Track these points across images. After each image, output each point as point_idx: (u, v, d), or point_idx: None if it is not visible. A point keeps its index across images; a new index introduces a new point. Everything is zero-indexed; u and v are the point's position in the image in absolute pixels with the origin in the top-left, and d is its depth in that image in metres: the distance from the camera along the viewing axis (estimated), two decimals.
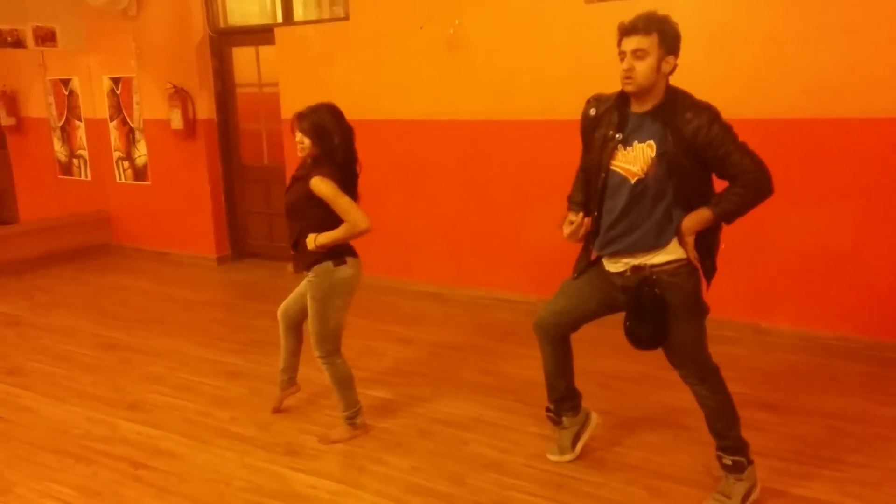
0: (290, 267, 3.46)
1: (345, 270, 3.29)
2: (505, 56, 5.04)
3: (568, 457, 3.16)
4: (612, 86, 4.70)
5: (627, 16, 4.76)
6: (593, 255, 2.91)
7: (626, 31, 2.58)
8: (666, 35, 2.55)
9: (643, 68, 2.54)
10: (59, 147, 7.91)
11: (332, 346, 3.39)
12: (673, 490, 2.96)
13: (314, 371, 4.23)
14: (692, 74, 4.44)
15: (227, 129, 6.88)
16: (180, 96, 6.61)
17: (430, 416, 3.66)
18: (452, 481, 3.06)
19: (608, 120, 2.71)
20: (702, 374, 2.82)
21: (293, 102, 6.12)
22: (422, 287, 5.62)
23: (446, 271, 5.61)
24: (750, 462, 2.81)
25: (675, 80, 4.60)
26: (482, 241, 5.39)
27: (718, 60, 4.38)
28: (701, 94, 4.43)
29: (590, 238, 2.85)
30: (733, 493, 2.79)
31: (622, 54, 2.58)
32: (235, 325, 5.20)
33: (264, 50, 6.44)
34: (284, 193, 3.42)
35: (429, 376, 4.14)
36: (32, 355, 4.67)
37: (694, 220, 2.64)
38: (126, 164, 7.32)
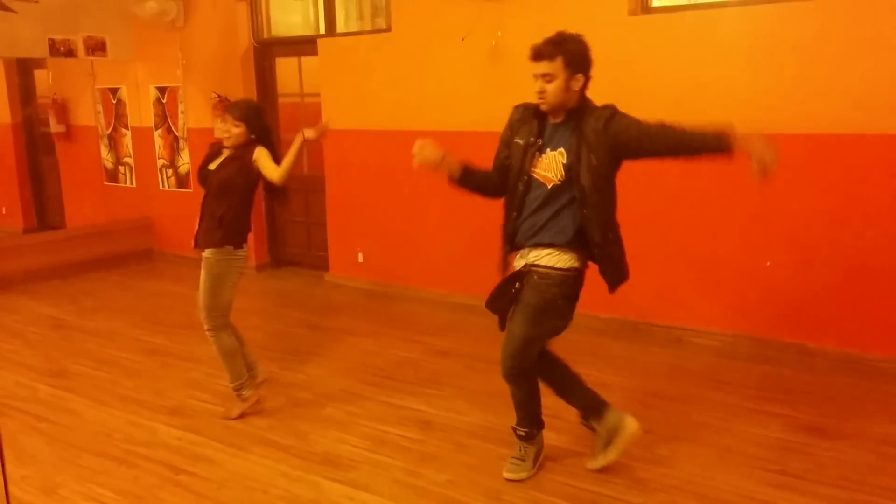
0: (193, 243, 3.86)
1: (242, 252, 3.76)
2: None
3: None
4: (654, 97, 4.68)
5: (671, 27, 4.77)
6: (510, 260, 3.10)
7: (533, 56, 2.81)
8: (571, 57, 2.78)
9: (552, 89, 2.80)
10: (105, 154, 8.10)
11: (222, 320, 3.74)
12: None
13: (356, 383, 4.26)
14: (736, 88, 4.41)
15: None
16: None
17: (467, 429, 3.64)
18: (489, 497, 3.03)
19: (528, 128, 2.93)
20: (519, 372, 3.05)
21: (334, 112, 6.21)
22: (460, 299, 5.60)
23: (485, 283, 5.58)
24: (540, 429, 3.21)
25: (719, 93, 4.56)
26: None
27: (764, 74, 4.31)
28: (745, 108, 4.41)
29: (503, 237, 3.05)
30: (527, 456, 3.16)
31: (535, 76, 2.82)
32: (273, 332, 5.25)
33: (307, 60, 6.52)
34: (207, 176, 3.73)
35: (465, 389, 4.12)
36: (77, 358, 4.76)
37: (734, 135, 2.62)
38: (170, 171, 7.47)
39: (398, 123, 5.81)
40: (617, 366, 4.44)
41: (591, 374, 4.25)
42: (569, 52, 2.77)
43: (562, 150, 2.84)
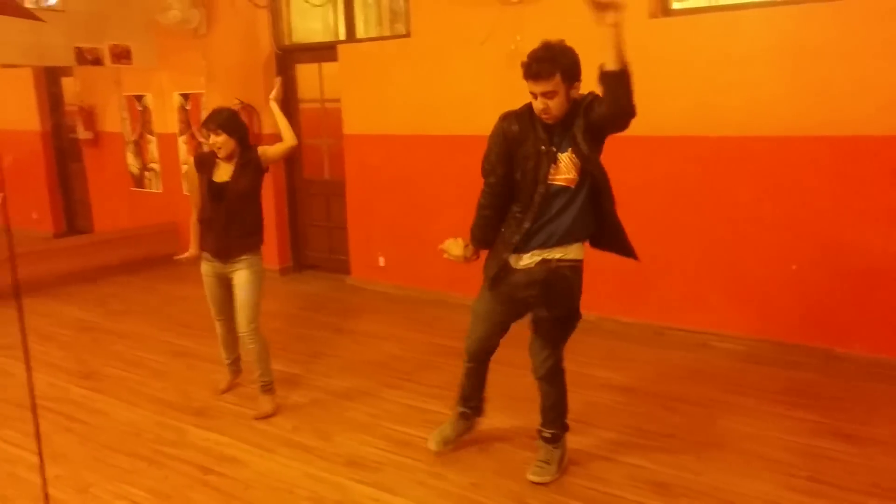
0: (207, 258, 3.98)
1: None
2: None
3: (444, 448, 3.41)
4: (674, 100, 4.66)
5: (691, 30, 4.75)
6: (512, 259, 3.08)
7: (531, 77, 2.76)
8: (567, 69, 2.75)
9: (556, 105, 2.79)
10: (132, 160, 8.23)
11: (259, 320, 3.92)
12: None
13: (378, 385, 4.29)
14: (757, 90, 4.39)
15: None
16: (247, 111, 6.81)
17: (489, 433, 3.65)
18: (512, 500, 3.05)
19: (534, 135, 2.88)
20: (560, 369, 3.15)
21: (354, 118, 6.27)
22: None
23: None
24: (565, 432, 3.28)
25: (740, 96, 4.53)
26: None
27: (786, 77, 4.29)
28: (770, 110, 4.39)
29: (505, 244, 3.02)
30: (552, 459, 3.21)
31: (533, 94, 2.81)
32: (296, 335, 5.30)
33: (327, 66, 6.58)
34: (223, 189, 3.79)
35: (488, 392, 4.12)
36: (106, 360, 4.85)
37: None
38: None
39: (418, 128, 5.84)
40: (639, 370, 4.43)
41: (612, 378, 4.28)
42: (564, 65, 2.75)
43: (570, 150, 2.85)
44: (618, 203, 3.01)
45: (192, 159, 4.00)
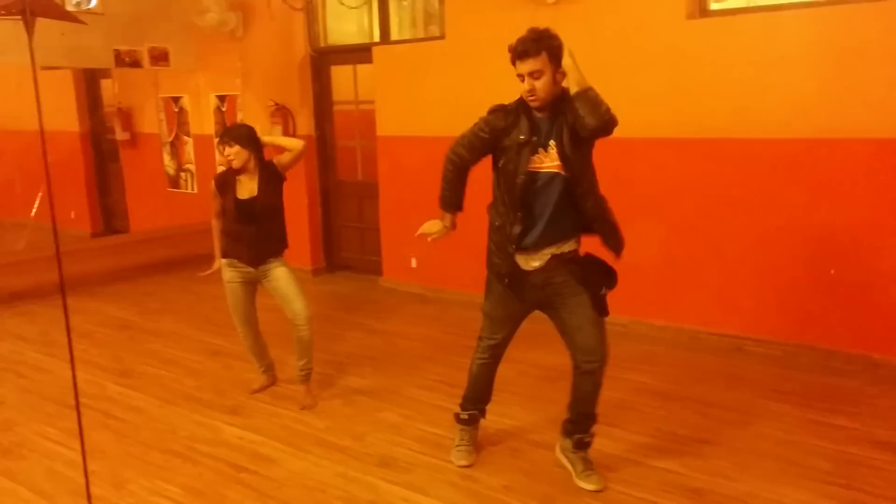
0: (234, 264, 4.05)
1: None
2: (601, 73, 4.95)
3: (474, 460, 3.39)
4: (713, 102, 4.60)
5: (729, 31, 4.69)
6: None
7: (518, 55, 2.85)
8: (553, 50, 2.82)
9: (542, 85, 2.84)
10: (168, 161, 8.37)
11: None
12: None
13: (410, 386, 4.31)
14: (798, 92, 4.31)
15: (325, 144, 7.11)
16: (282, 113, 6.88)
17: (521, 435, 3.65)
18: (544, 503, 3.03)
19: (518, 127, 2.93)
20: (605, 360, 3.07)
21: (388, 119, 6.29)
22: None
23: None
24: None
25: (780, 98, 4.46)
26: None
27: (827, 78, 4.22)
28: (807, 113, 4.32)
29: (506, 237, 3.04)
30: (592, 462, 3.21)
31: (521, 76, 2.87)
32: (328, 335, 5.33)
33: (361, 68, 6.63)
34: (252, 204, 3.89)
35: (519, 395, 4.13)
36: (142, 358, 4.94)
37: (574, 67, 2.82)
38: None
39: (452, 130, 5.75)
40: (672, 374, 4.38)
41: (645, 382, 4.24)
42: (551, 46, 2.81)
43: (554, 145, 2.90)
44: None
45: (213, 183, 4.06)
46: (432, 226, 3.27)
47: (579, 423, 3.17)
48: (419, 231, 3.28)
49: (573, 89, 2.80)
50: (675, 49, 4.70)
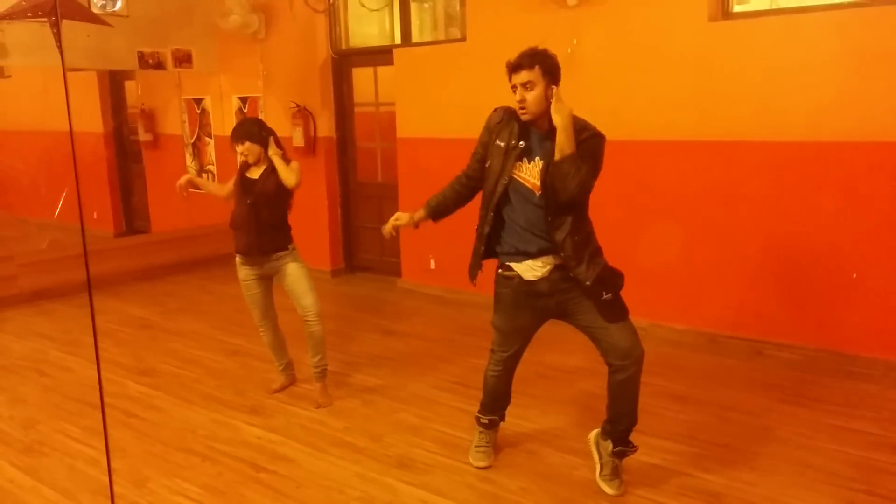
0: (245, 261, 4.18)
1: None
2: (622, 76, 4.98)
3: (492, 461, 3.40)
4: (735, 105, 4.57)
5: (752, 34, 4.65)
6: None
7: (513, 68, 2.91)
8: (548, 66, 2.87)
9: (533, 98, 2.87)
10: (190, 162, 8.45)
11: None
12: None
13: (428, 388, 4.32)
14: (821, 95, 4.27)
15: (346, 146, 7.15)
16: (303, 115, 6.93)
17: (539, 438, 3.64)
18: None
19: (509, 129, 2.98)
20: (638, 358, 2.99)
21: (408, 121, 6.31)
22: None
23: None
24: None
25: (804, 101, 4.42)
26: None
27: (851, 81, 4.16)
28: (831, 116, 4.27)
29: (478, 236, 3.11)
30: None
31: (514, 87, 2.92)
32: (347, 336, 5.36)
33: (382, 70, 6.65)
34: (252, 185, 4.00)
35: (537, 397, 4.12)
36: (163, 357, 4.99)
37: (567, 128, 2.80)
38: None
39: (471, 132, 5.75)
40: (692, 378, 4.35)
41: (665, 386, 4.22)
42: (545, 61, 2.86)
43: (538, 159, 2.92)
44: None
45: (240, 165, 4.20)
46: (402, 216, 3.35)
47: (617, 423, 3.09)
48: (389, 221, 3.35)
49: (556, 154, 2.80)
50: (698, 51, 4.67)
